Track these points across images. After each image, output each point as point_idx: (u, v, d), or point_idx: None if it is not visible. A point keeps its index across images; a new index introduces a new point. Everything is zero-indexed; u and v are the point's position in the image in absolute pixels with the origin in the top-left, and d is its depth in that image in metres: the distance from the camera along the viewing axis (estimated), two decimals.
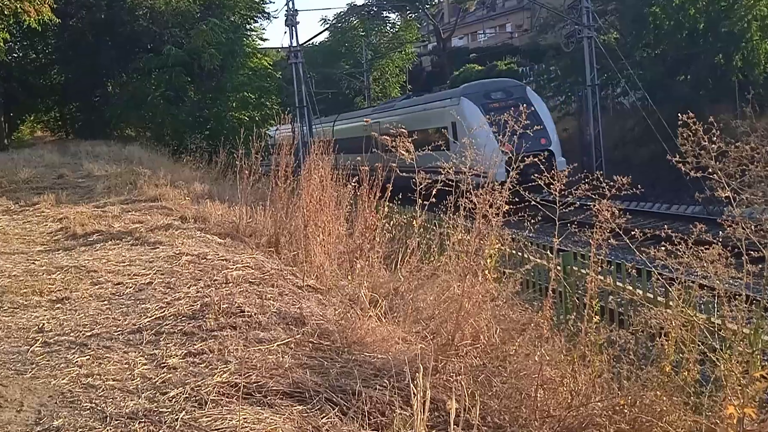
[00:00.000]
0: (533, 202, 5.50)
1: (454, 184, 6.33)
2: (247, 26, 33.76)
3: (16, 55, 32.35)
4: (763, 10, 27.96)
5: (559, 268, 8.33)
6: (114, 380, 4.52)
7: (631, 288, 8.15)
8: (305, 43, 43.08)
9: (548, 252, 9.52)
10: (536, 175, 5.19)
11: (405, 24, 62.19)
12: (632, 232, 5.04)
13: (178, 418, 3.90)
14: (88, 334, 5.46)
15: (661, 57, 31.81)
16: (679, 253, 4.65)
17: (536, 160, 5.44)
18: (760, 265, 4.37)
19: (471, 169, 5.89)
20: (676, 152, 4.88)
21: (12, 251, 8.70)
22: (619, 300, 8.46)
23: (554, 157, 20.25)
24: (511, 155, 5.62)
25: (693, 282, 5.04)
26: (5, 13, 21.18)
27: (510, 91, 26.60)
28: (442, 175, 6.15)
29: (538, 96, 27.44)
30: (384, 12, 62.20)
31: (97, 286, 6.86)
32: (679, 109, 5.08)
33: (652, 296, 7.65)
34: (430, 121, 27.52)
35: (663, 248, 4.74)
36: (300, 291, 6.66)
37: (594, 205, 4.88)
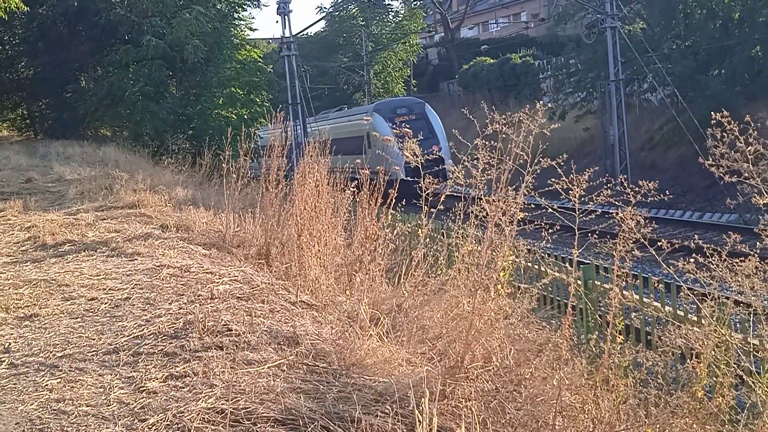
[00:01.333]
0: (550, 210, 5.52)
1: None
2: (235, 15, 33.80)
3: None
4: None
5: (579, 282, 8.35)
6: (88, 405, 4.53)
7: (658, 304, 8.16)
8: (299, 33, 43.20)
9: (567, 265, 9.54)
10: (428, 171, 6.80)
11: (409, 12, 62.43)
12: (659, 243, 5.04)
13: None
14: (59, 354, 5.47)
15: (693, 49, 31.87)
16: (711, 265, 4.66)
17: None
18: None
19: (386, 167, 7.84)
20: (708, 155, 4.89)
21: None
22: (645, 318, 8.46)
23: (443, 160, 25.93)
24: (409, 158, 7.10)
25: (727, 298, 5.05)
26: None
27: (412, 108, 35.69)
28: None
29: (434, 111, 35.71)
30: None
31: (69, 302, 6.87)
32: (712, 107, 5.10)
33: (682, 314, 7.66)
34: (352, 130, 36.27)
35: (693, 261, 4.75)
36: (293, 307, 6.67)
37: (617, 213, 4.89)
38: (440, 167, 6.49)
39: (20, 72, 34.41)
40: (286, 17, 36.74)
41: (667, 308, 7.96)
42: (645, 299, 8.47)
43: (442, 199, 6.80)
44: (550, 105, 37.13)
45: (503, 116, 6.00)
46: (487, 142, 6.02)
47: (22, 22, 30.81)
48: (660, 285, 7.55)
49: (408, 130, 7.06)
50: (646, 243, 4.88)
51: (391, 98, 44.66)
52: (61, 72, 31.81)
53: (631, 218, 4.79)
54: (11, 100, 35.09)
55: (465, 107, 7.43)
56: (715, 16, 30.30)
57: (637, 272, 8.54)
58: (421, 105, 36.25)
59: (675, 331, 4.79)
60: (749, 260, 4.51)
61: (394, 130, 7.67)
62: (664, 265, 5.01)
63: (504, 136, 5.92)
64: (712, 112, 4.74)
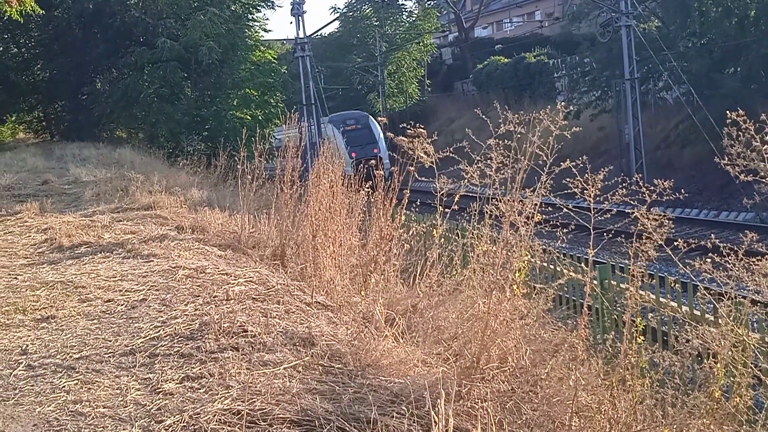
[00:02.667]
0: (566, 209, 5.49)
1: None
2: (249, 16, 33.84)
3: None
4: None
5: (595, 282, 8.32)
6: (105, 407, 4.54)
7: (674, 304, 8.12)
8: (313, 34, 43.39)
9: (583, 264, 9.51)
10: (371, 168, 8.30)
11: (423, 12, 62.39)
12: (676, 243, 5.02)
13: None
14: (76, 356, 5.49)
15: (708, 47, 31.73)
16: (728, 265, 4.64)
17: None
18: None
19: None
20: (724, 153, 4.87)
21: None
22: (661, 318, 8.42)
23: (382, 160, 31.41)
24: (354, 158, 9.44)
25: (744, 297, 5.02)
26: None
27: (359, 119, 42.00)
28: None
29: (375, 122, 41.48)
30: None
31: (85, 304, 6.90)
32: (727, 105, 5.08)
33: (698, 313, 7.62)
34: None
35: (710, 260, 4.73)
36: (308, 308, 6.68)
37: (633, 212, 4.86)
38: (380, 164, 8.10)
39: (36, 75, 34.59)
40: (299, 18, 36.90)
41: (683, 308, 7.91)
42: (661, 299, 8.43)
43: (456, 199, 6.79)
44: (562, 104, 36.97)
45: (516, 115, 5.99)
46: (500, 141, 6.00)
47: (37, 25, 30.95)
48: (676, 285, 7.51)
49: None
50: (662, 243, 4.85)
51: (343, 112, 49.79)
52: (76, 74, 31.98)
53: (654, 219, 4.76)
54: (27, 102, 35.26)
55: (479, 107, 7.41)
56: (731, 14, 30.15)
57: (653, 271, 8.50)
58: (366, 117, 43.03)
59: (692, 332, 4.77)
60: (766, 259, 4.48)
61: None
62: (681, 265, 4.99)
63: (519, 135, 5.91)
64: (728, 111, 4.72)
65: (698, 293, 5.67)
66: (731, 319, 4.73)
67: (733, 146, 4.62)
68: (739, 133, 4.59)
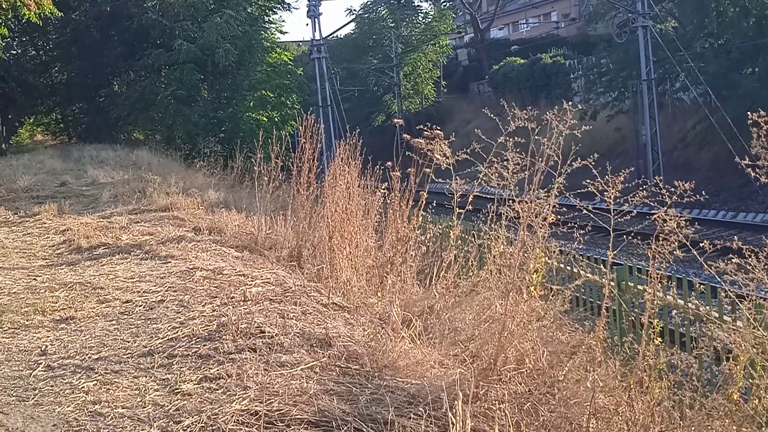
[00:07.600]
0: (585, 211, 5.47)
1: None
2: (266, 18, 34.02)
3: (14, 53, 32.82)
4: None
5: (612, 283, 8.28)
6: (123, 408, 4.56)
7: (693, 306, 8.06)
8: (329, 36, 43.52)
9: (601, 266, 9.49)
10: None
11: (439, 14, 62.28)
12: (701, 244, 4.98)
13: None
14: (95, 357, 5.52)
15: (726, 48, 31.56)
16: (748, 266, 4.61)
17: None
18: None
19: None
20: (743, 154, 4.83)
21: (11, 266, 8.82)
22: (681, 319, 8.38)
23: None
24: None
25: (764, 299, 4.99)
26: (3, 6, 21.31)
27: None
28: None
29: None
30: (415, 1, 62.29)
31: (103, 305, 6.93)
32: (745, 106, 5.05)
33: (717, 314, 7.57)
34: None
35: (731, 261, 4.69)
36: (325, 309, 6.68)
37: (654, 215, 4.83)
38: None
39: (54, 77, 34.85)
40: (316, 20, 36.98)
41: (702, 309, 7.86)
42: (679, 301, 8.38)
43: (470, 199, 6.77)
44: (580, 106, 36.86)
45: (524, 111, 5.96)
46: (510, 139, 5.98)
47: (55, 27, 31.20)
48: (698, 286, 7.46)
49: None
50: (687, 243, 4.81)
51: None
52: (94, 76, 32.16)
53: (671, 219, 4.73)
54: (45, 104, 35.51)
55: (494, 107, 7.34)
56: (749, 14, 29.96)
57: (670, 273, 8.46)
58: None
59: (708, 335, 4.74)
60: None
61: None
62: (706, 266, 4.95)
63: (536, 137, 5.89)
64: (748, 112, 4.69)
65: (718, 294, 5.62)
66: (751, 320, 4.71)
67: (753, 147, 4.60)
68: (759, 134, 4.56)
